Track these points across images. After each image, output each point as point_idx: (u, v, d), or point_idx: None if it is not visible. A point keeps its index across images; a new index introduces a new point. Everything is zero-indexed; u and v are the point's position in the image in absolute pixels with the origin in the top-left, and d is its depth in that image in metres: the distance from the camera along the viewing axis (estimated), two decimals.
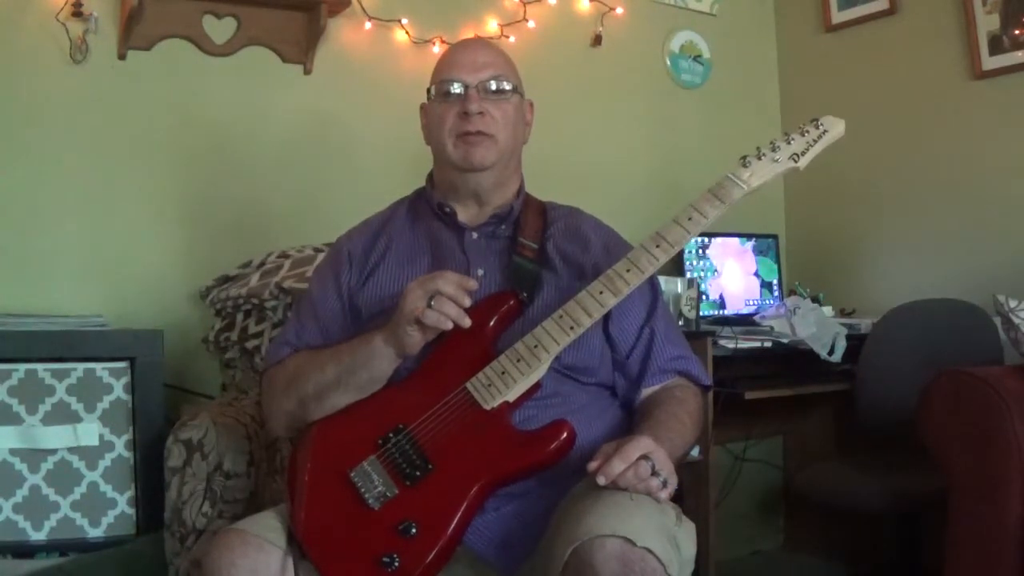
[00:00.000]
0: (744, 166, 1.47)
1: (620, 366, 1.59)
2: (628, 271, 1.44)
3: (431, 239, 1.64)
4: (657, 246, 1.45)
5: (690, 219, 1.45)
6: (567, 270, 1.59)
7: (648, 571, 1.19)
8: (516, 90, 1.63)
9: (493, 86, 1.59)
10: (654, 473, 1.30)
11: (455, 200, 1.64)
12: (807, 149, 1.48)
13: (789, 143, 1.48)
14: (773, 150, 1.48)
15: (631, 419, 1.56)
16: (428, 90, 1.65)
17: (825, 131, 1.49)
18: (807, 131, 1.49)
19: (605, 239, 1.66)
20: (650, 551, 1.20)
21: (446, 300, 1.39)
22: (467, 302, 1.41)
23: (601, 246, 1.64)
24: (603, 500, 1.28)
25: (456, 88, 1.59)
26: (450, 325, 1.40)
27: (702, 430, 1.61)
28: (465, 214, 1.63)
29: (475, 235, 1.62)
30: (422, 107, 1.68)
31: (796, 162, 1.48)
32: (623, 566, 1.18)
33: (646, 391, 1.58)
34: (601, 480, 1.29)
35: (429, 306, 1.39)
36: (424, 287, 1.40)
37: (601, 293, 1.43)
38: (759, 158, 1.47)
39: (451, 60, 1.64)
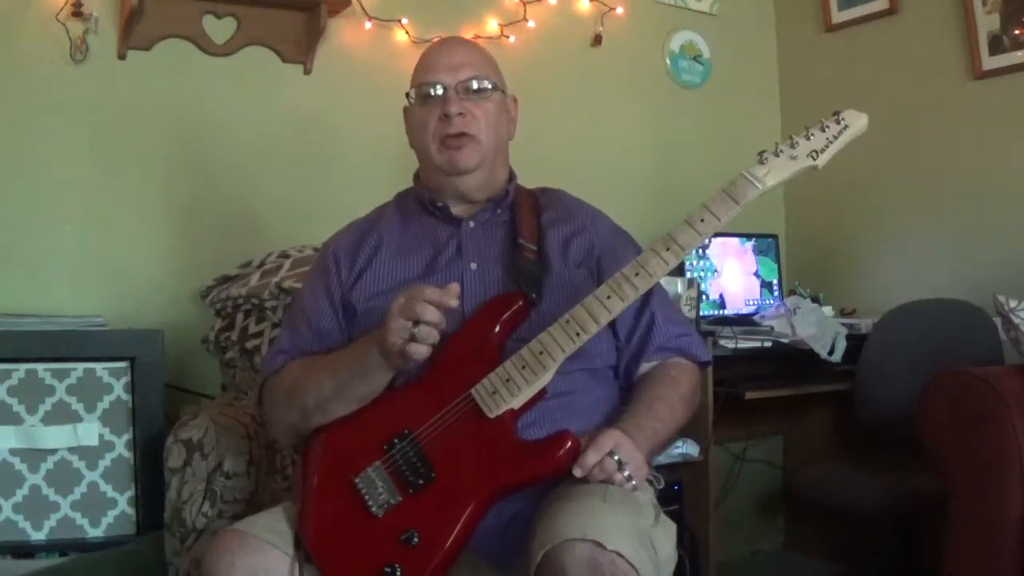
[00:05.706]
0: (760, 163, 1.39)
1: (621, 350, 1.58)
2: (637, 275, 1.39)
3: (425, 234, 1.63)
4: (667, 249, 1.39)
5: (702, 220, 1.38)
6: (569, 265, 1.58)
7: (618, 574, 1.19)
8: (496, 87, 1.62)
9: (474, 85, 1.58)
10: (620, 467, 1.34)
11: (445, 198, 1.63)
12: (827, 146, 1.39)
13: (808, 139, 1.39)
14: (791, 146, 1.39)
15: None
16: (407, 94, 1.63)
17: (846, 126, 1.39)
18: (827, 126, 1.40)
19: (603, 226, 1.67)
20: (620, 554, 1.19)
21: (430, 329, 1.35)
22: (444, 319, 1.37)
23: (606, 232, 1.65)
24: (576, 501, 1.29)
25: (436, 90, 1.57)
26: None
27: (703, 429, 1.60)
28: (457, 208, 1.63)
29: (472, 224, 1.61)
30: (405, 111, 1.66)
31: (815, 159, 1.38)
32: (592, 570, 1.18)
33: (645, 366, 1.57)
34: (577, 472, 1.33)
35: (412, 337, 1.34)
36: (405, 314, 1.35)
37: (608, 298, 1.39)
38: (776, 154, 1.38)
39: (428, 62, 1.62)
